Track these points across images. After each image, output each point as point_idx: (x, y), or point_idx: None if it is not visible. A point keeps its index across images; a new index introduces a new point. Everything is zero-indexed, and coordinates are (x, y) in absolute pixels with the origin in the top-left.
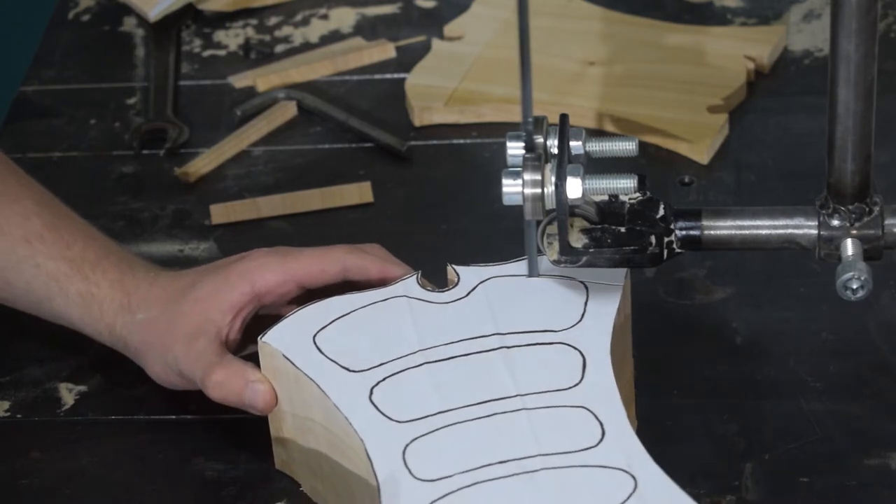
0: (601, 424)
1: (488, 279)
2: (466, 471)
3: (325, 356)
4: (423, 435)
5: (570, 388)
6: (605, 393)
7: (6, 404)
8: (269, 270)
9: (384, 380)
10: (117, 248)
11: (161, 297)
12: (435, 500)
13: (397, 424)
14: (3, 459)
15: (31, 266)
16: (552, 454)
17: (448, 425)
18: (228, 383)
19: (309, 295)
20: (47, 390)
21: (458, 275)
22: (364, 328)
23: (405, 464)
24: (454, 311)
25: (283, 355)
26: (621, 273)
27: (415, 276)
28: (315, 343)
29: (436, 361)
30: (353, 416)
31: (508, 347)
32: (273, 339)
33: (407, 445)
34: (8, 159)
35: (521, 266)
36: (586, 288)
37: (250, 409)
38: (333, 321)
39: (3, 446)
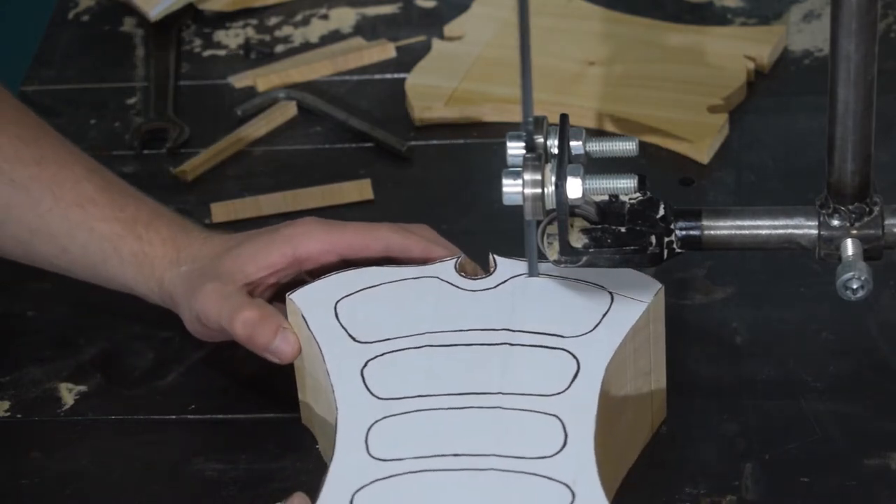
0: (566, 436)
1: (522, 274)
2: (419, 457)
3: (339, 322)
4: (393, 415)
5: (552, 395)
6: (583, 406)
7: (6, 404)
8: (313, 238)
9: (382, 355)
10: (169, 211)
11: (208, 254)
12: (378, 480)
13: (376, 400)
14: (3, 459)
15: (86, 230)
16: (506, 457)
17: (421, 410)
18: (262, 324)
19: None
20: (47, 390)
21: (495, 265)
22: (386, 302)
23: (366, 439)
24: (476, 300)
25: (302, 315)
26: (652, 290)
27: (455, 259)
28: (335, 308)
29: (438, 346)
30: (338, 385)
31: (512, 345)
32: (299, 298)
33: (375, 422)
34: (52, 129)
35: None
36: (612, 299)
37: (274, 354)
38: (361, 290)
39: (3, 446)
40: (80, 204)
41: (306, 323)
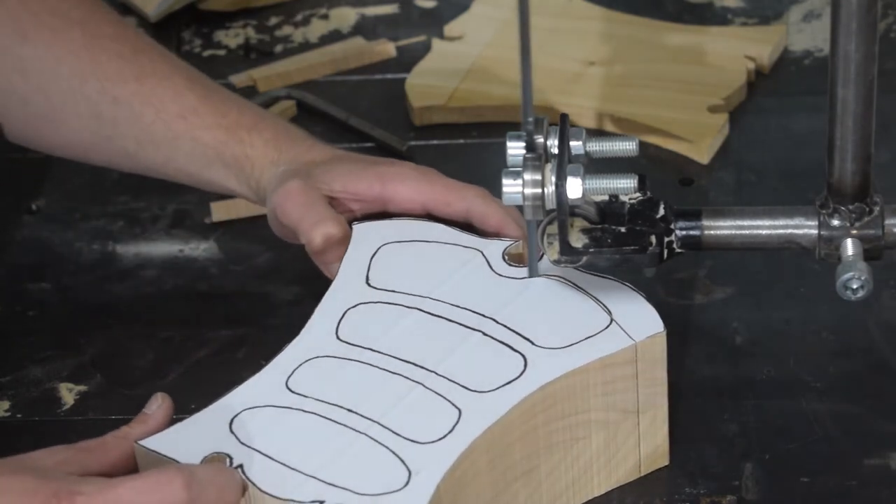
0: (451, 431)
1: (552, 276)
2: (320, 401)
3: (369, 263)
4: (333, 357)
5: (475, 391)
6: (490, 410)
7: (6, 404)
8: (403, 182)
9: (375, 303)
10: (275, 117)
11: (306, 160)
12: (272, 406)
13: (333, 340)
14: None
15: (189, 140)
16: (387, 429)
17: (359, 361)
18: (338, 245)
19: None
20: (47, 390)
21: (540, 260)
22: (421, 257)
23: (294, 370)
24: (492, 284)
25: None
26: (649, 331)
27: (510, 243)
28: (378, 249)
29: (425, 312)
30: (317, 315)
31: (484, 334)
32: (359, 229)
33: (314, 358)
34: (151, 39)
35: (589, 280)
36: (608, 325)
37: (328, 271)
38: (410, 240)
39: (3, 446)
40: (183, 115)
41: (344, 254)
